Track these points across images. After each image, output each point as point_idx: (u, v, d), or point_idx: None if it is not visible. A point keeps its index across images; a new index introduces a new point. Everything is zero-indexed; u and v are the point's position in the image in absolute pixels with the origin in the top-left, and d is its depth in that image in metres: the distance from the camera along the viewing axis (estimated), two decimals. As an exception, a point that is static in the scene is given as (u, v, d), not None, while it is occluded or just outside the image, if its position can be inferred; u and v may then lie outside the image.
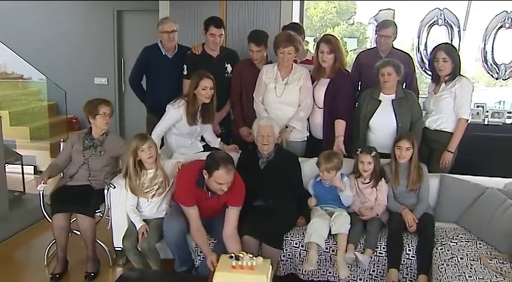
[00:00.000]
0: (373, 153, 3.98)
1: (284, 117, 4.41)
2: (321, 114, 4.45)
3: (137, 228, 3.88)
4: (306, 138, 4.57)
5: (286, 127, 4.36)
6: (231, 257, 3.11)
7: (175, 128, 4.35)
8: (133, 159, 3.79)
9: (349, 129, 4.44)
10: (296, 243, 3.87)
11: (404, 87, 4.69)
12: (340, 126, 4.34)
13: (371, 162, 3.98)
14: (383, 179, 4.04)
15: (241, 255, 3.11)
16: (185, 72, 4.76)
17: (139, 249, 3.80)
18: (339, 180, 4.01)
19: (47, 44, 7.84)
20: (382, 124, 4.39)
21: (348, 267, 3.76)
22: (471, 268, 3.46)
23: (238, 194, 3.65)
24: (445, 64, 4.35)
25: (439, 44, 4.53)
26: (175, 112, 4.24)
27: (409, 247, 3.84)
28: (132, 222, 3.93)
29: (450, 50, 4.39)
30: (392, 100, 4.37)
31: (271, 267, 3.13)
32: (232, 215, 3.64)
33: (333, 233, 3.82)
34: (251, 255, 3.13)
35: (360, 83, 4.90)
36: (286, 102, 4.37)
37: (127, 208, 3.92)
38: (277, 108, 4.44)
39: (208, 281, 3.18)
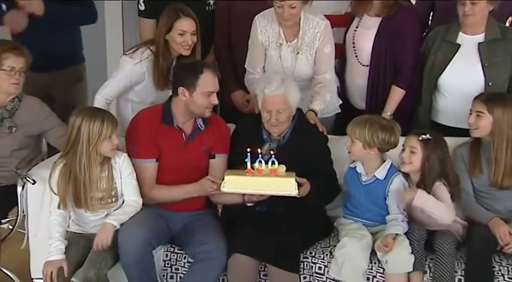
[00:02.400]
0: (423, 137, 2.81)
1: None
2: (364, 75, 3.33)
3: (44, 265, 2.72)
4: (339, 110, 3.45)
5: (314, 112, 3.18)
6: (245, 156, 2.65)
7: (133, 92, 3.28)
8: (91, 149, 2.70)
9: (411, 101, 3.37)
10: (320, 268, 2.84)
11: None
12: (395, 96, 3.29)
13: (416, 150, 2.80)
14: (440, 181, 2.85)
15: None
16: (141, 7, 3.52)
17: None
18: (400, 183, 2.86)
19: None
20: (460, 82, 3.22)
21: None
22: None
23: (225, 137, 3.03)
24: None
25: None
26: (135, 69, 3.18)
27: (504, 279, 2.77)
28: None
29: None
30: (479, 44, 3.19)
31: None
32: (222, 165, 2.96)
33: (388, 272, 2.74)
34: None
35: (429, 21, 3.68)
36: (297, 77, 3.22)
37: (50, 217, 2.79)
38: None
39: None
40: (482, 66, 3.18)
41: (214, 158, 2.96)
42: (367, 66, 3.34)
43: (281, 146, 2.94)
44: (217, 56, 3.62)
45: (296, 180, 2.68)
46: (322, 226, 2.99)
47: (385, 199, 2.83)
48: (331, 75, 3.26)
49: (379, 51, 3.31)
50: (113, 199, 2.80)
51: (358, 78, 3.40)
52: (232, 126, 3.16)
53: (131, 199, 2.80)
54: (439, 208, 2.76)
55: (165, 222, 2.85)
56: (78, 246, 2.78)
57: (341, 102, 3.45)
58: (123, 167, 2.80)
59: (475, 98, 2.96)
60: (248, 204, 2.84)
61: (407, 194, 2.77)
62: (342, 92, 3.50)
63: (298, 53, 3.20)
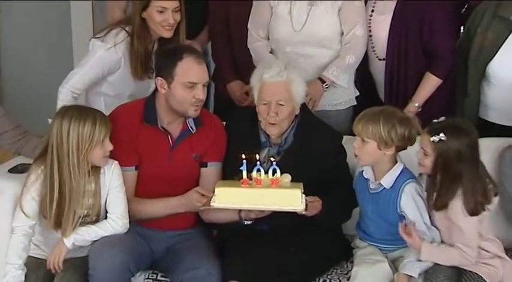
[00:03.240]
0: (436, 137, 2.35)
1: (311, 69, 2.94)
2: (382, 71, 3.00)
3: None
4: (354, 102, 3.07)
5: (321, 82, 2.91)
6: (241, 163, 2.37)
7: (106, 83, 3.00)
8: (82, 157, 2.46)
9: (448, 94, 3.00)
10: (333, 301, 2.56)
11: None
12: (429, 85, 2.91)
13: (429, 152, 2.37)
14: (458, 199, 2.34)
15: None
16: None
17: None
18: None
19: None
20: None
21: None
22: None
23: (221, 141, 2.71)
24: None
25: None
26: (108, 55, 2.90)
27: None
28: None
29: None
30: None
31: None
32: (214, 176, 2.67)
33: None
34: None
35: None
36: (313, 41, 2.92)
37: (13, 237, 2.50)
38: (297, 53, 2.96)
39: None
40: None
41: (206, 166, 2.65)
42: (383, 60, 2.99)
43: (283, 152, 2.61)
44: (212, 41, 3.35)
45: (303, 193, 2.35)
46: (339, 246, 2.64)
47: (399, 214, 2.44)
48: (363, 32, 2.90)
49: (396, 41, 2.94)
50: (99, 218, 2.53)
51: (376, 73, 3.06)
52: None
53: (114, 217, 2.48)
54: (451, 256, 2.35)
55: (146, 243, 2.57)
56: (38, 274, 2.48)
57: (358, 93, 3.07)
58: (112, 178, 2.51)
59: None
60: (245, 222, 2.53)
61: (411, 242, 2.38)
62: (361, 83, 3.14)
63: (312, 4, 2.86)
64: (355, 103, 3.04)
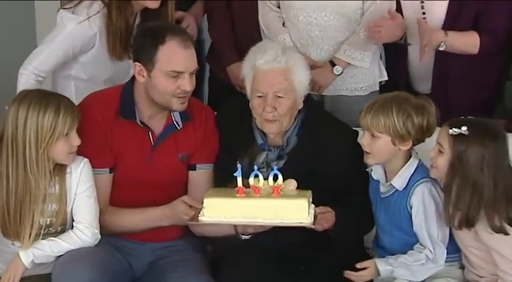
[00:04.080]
0: (456, 130, 2.08)
1: (326, 44, 2.70)
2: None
3: None
4: (377, 88, 2.78)
5: (332, 64, 2.68)
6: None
7: (78, 65, 2.75)
8: (41, 152, 2.22)
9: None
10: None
11: None
12: (467, 37, 2.63)
13: (445, 148, 2.11)
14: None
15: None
16: None
17: None
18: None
19: None
20: None
21: None
22: None
23: (212, 138, 2.42)
24: None
25: None
26: (80, 29, 2.64)
27: None
28: None
29: None
30: None
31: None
32: (205, 181, 2.40)
33: None
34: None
35: None
36: (335, 8, 2.65)
37: None
38: (311, 23, 2.70)
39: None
40: None
41: (195, 169, 2.40)
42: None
43: (286, 156, 2.35)
44: (209, 15, 3.07)
45: (312, 202, 2.11)
46: (358, 261, 2.36)
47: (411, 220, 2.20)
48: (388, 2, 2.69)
49: (456, 17, 2.69)
50: (65, 227, 2.28)
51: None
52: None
53: (81, 226, 2.22)
54: None
55: (124, 258, 2.31)
56: None
57: (386, 78, 2.81)
58: (81, 179, 2.26)
59: None
60: (243, 237, 2.28)
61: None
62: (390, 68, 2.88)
63: None
64: (378, 89, 2.79)
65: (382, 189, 2.24)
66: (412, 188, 2.17)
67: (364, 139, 2.20)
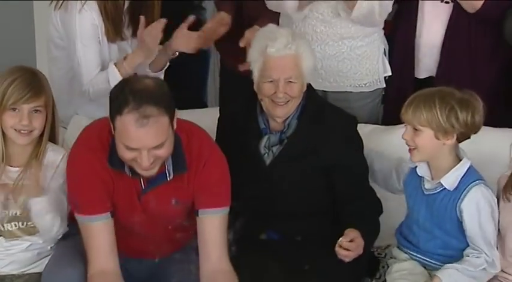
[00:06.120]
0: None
1: (336, 37, 2.72)
2: (443, 22, 2.74)
3: None
4: (383, 84, 2.81)
5: None
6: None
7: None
8: None
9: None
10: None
11: None
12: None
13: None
14: None
15: None
16: None
17: None
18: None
19: None
20: None
21: None
22: None
23: (217, 186, 2.13)
24: None
25: None
26: (83, 17, 2.56)
27: None
28: None
29: None
30: None
31: None
32: (214, 227, 2.14)
33: None
34: None
35: None
36: (341, 5, 2.69)
37: None
38: (321, 20, 2.73)
39: None
40: None
41: (198, 215, 2.16)
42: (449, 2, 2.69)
43: (286, 139, 2.38)
44: None
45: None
46: (363, 260, 2.34)
47: (458, 222, 2.14)
48: None
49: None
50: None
51: (434, 26, 2.74)
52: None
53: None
54: None
55: (122, 265, 2.13)
56: None
57: (389, 73, 2.76)
58: (57, 172, 2.20)
59: None
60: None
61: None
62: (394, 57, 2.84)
63: None
64: (384, 85, 2.75)
65: (427, 185, 2.19)
66: (464, 190, 2.12)
67: (406, 134, 2.15)
